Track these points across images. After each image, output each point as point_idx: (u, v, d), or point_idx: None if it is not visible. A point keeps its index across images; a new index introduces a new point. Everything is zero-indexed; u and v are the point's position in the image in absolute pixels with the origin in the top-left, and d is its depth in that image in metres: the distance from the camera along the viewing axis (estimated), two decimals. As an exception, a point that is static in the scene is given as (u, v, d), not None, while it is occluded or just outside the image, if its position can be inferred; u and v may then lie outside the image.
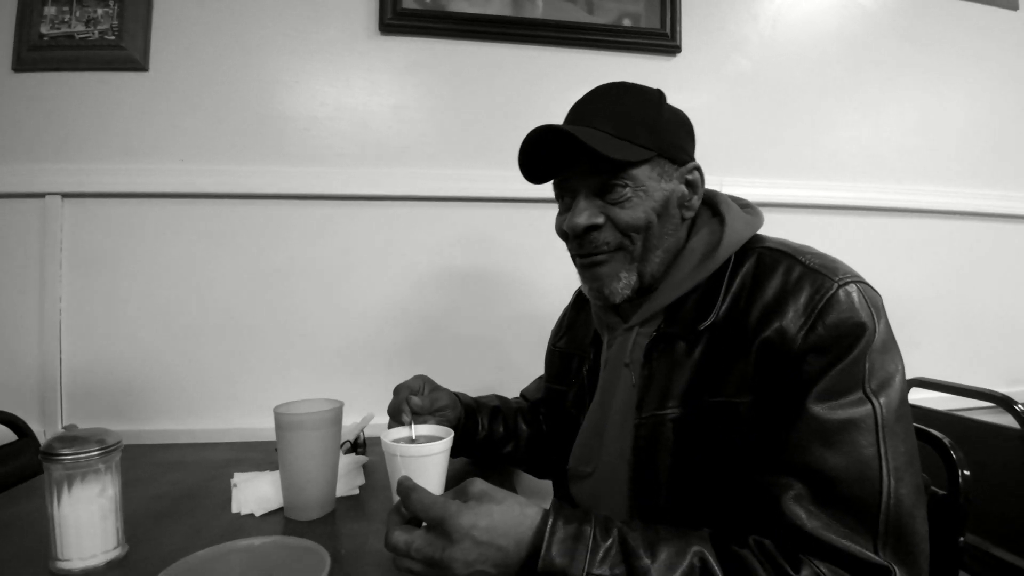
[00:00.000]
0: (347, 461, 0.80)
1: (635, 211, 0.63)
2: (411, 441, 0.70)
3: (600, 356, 0.77)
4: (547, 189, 0.72)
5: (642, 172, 0.64)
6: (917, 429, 0.73)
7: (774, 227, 0.67)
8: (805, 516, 0.50)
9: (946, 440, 0.71)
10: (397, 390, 0.77)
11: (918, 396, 1.19)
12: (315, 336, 1.19)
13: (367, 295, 1.20)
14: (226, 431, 1.11)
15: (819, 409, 0.53)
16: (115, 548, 0.63)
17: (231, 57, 1.17)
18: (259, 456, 0.94)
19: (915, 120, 1.41)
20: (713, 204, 0.70)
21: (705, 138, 1.33)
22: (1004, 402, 1.00)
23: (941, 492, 0.69)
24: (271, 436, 0.72)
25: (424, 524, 0.52)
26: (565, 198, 0.69)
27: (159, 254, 1.16)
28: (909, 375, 1.17)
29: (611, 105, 0.66)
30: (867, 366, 0.54)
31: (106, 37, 1.17)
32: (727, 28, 1.31)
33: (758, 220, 0.69)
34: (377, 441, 0.67)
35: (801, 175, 1.33)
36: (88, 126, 1.15)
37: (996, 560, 0.99)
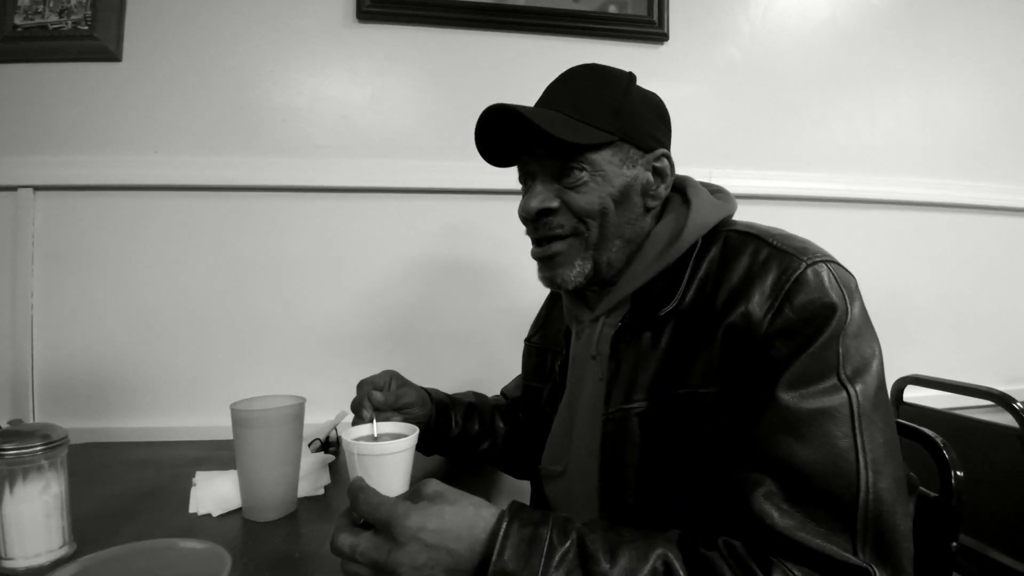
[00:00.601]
0: (312, 460, 0.77)
1: (590, 196, 0.61)
2: (373, 439, 0.67)
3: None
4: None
5: (601, 156, 0.61)
6: (909, 428, 0.70)
7: (765, 220, 0.63)
8: (777, 515, 0.46)
9: (938, 439, 0.68)
10: (360, 385, 0.74)
11: (914, 394, 1.15)
12: (291, 332, 1.16)
13: (346, 289, 1.17)
14: (199, 428, 1.08)
15: (789, 398, 0.49)
16: (61, 547, 0.60)
17: (206, 46, 1.15)
18: (227, 455, 0.89)
19: (911, 110, 1.37)
20: (682, 190, 0.67)
21: (693, 129, 1.32)
22: (1002, 400, 0.96)
23: (933, 494, 0.66)
24: (241, 434, 0.68)
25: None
26: (526, 181, 0.66)
27: (132, 248, 1.13)
28: (905, 372, 1.14)
29: (573, 87, 0.63)
30: (840, 351, 0.50)
31: (79, 27, 1.14)
32: (716, 16, 1.27)
33: (729, 205, 0.66)
34: None
35: (793, 167, 1.29)
36: (61, 118, 1.13)
37: (992, 563, 0.95)
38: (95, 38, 1.14)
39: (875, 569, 0.45)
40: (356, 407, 0.72)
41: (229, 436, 0.99)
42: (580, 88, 0.63)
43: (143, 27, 1.14)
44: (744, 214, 0.65)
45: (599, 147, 0.60)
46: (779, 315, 0.52)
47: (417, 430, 0.67)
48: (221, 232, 1.15)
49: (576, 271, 0.63)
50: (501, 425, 0.89)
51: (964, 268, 1.39)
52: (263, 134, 1.15)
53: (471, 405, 0.87)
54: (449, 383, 0.93)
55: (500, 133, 0.63)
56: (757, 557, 0.46)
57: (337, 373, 1.14)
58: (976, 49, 1.40)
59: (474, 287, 1.20)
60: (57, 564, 0.58)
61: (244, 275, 1.15)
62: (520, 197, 0.65)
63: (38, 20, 1.14)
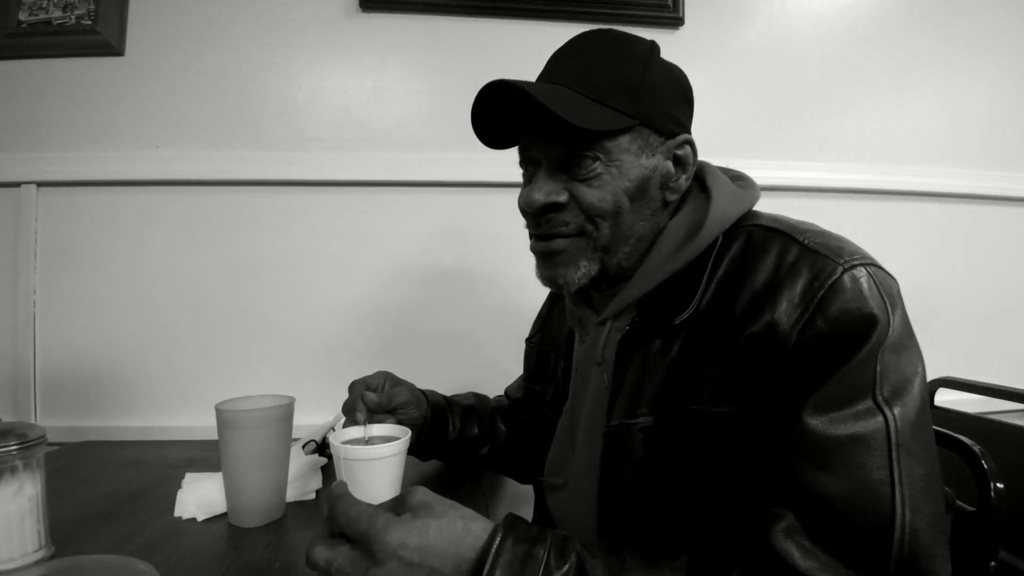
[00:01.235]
0: (302, 463, 0.74)
1: (603, 191, 0.54)
2: (365, 442, 0.64)
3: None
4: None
5: (617, 144, 0.53)
6: (941, 435, 0.64)
7: (784, 213, 0.57)
8: (798, 554, 0.41)
9: (976, 448, 0.62)
10: (352, 386, 0.71)
11: (942, 398, 1.08)
12: (293, 330, 1.13)
13: (345, 286, 1.14)
14: (198, 428, 1.05)
15: (816, 422, 0.43)
16: (37, 551, 0.58)
17: (207, 39, 1.13)
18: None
19: (936, 98, 1.28)
20: (700, 178, 0.60)
21: (710, 117, 1.25)
22: (1044, 404, 0.88)
23: (969, 508, 0.60)
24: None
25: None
26: (528, 168, 0.59)
27: (134, 244, 1.12)
28: (933, 374, 1.06)
29: (587, 59, 0.55)
30: (878, 368, 0.44)
31: (82, 22, 1.13)
32: (734, -1, 1.21)
33: (752, 194, 0.59)
34: None
35: (813, 157, 1.22)
36: (64, 113, 1.12)
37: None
38: (98, 32, 1.13)
39: None
40: (348, 409, 0.69)
41: (225, 436, 0.98)
42: (594, 60, 0.54)
43: (145, 21, 1.13)
44: (762, 207, 0.59)
45: (615, 133, 0.53)
46: (810, 326, 0.45)
47: (409, 433, 0.64)
48: (222, 228, 1.13)
49: (581, 272, 0.56)
50: (502, 428, 0.84)
51: (992, 262, 1.30)
52: (264, 128, 1.13)
53: (470, 407, 0.83)
54: (447, 384, 0.90)
55: (500, 112, 0.56)
56: None
57: (339, 372, 1.10)
58: (1005, 35, 1.31)
59: (474, 284, 1.16)
60: (32, 567, 0.56)
61: (244, 272, 1.13)
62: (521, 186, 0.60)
63: (42, 16, 1.14)
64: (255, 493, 0.64)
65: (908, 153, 1.27)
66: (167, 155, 1.12)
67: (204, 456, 0.88)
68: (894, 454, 0.42)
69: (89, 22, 1.13)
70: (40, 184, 1.11)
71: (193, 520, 0.66)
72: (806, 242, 0.50)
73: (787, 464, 0.44)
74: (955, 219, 1.29)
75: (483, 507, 0.73)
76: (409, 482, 0.80)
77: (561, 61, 0.57)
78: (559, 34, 0.58)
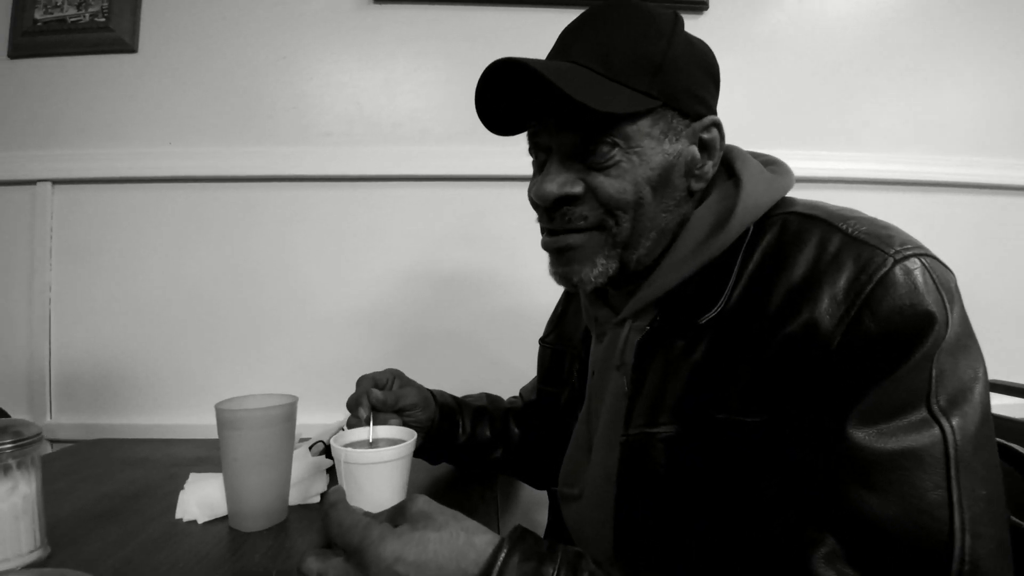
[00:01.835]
0: (307, 465, 0.71)
1: (623, 181, 0.49)
2: (369, 444, 0.61)
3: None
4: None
5: (638, 128, 0.48)
6: (1000, 446, 0.58)
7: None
8: None
9: (1033, 458, 0.56)
10: (360, 381, 0.68)
11: (992, 402, 1.00)
12: (305, 327, 1.11)
13: (356, 283, 1.12)
14: (212, 426, 1.04)
15: (863, 435, 0.38)
16: (32, 551, 0.56)
17: (220, 34, 1.12)
18: (229, 455, 0.86)
19: (977, 84, 1.20)
20: (728, 162, 0.54)
21: (736, 104, 1.19)
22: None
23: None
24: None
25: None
26: (539, 155, 0.55)
27: (147, 241, 1.12)
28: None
29: (603, 34, 0.50)
30: (933, 373, 0.39)
31: (96, 19, 1.13)
32: (761, -19, 1.15)
33: (786, 180, 0.53)
34: None
35: (846, 146, 1.15)
36: (78, 110, 1.12)
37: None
38: (111, 29, 1.12)
39: None
40: (352, 404, 0.66)
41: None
42: (611, 34, 0.49)
43: (158, 17, 1.13)
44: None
45: (636, 116, 0.48)
46: (856, 326, 0.40)
47: (415, 435, 0.61)
48: (233, 225, 1.12)
49: (598, 271, 0.51)
50: (515, 431, 0.81)
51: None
52: (275, 123, 1.11)
53: (481, 409, 0.80)
54: (459, 384, 0.86)
55: (508, 95, 0.52)
56: None
57: (353, 370, 1.08)
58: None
59: (488, 280, 1.12)
60: (28, 568, 0.55)
61: (257, 268, 1.11)
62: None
63: (57, 14, 1.14)
64: (256, 496, 0.62)
65: (947, 143, 1.19)
66: (179, 151, 1.11)
67: (212, 455, 0.85)
68: (952, 471, 0.37)
69: (103, 19, 1.13)
70: (55, 182, 1.11)
71: (193, 523, 0.64)
72: (850, 230, 0.45)
73: (828, 482, 0.39)
74: (995, 211, 1.20)
75: (494, 514, 0.69)
76: (417, 486, 0.78)
77: (574, 36, 0.52)
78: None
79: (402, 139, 1.11)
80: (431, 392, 0.74)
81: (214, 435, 0.97)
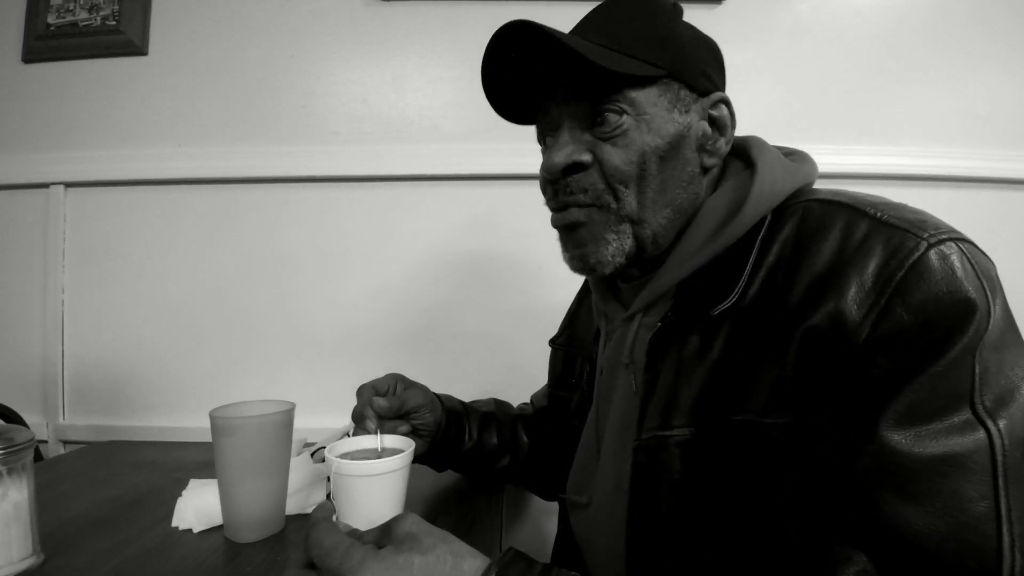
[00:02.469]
0: (304, 474, 0.69)
1: (629, 151, 0.47)
2: (377, 454, 0.59)
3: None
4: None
5: (646, 95, 0.47)
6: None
7: None
8: None
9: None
10: (360, 391, 0.66)
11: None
12: (315, 329, 1.10)
13: (370, 285, 1.09)
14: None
15: (898, 439, 0.35)
16: (24, 559, 0.55)
17: (227, 35, 1.11)
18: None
19: (1020, 73, 1.12)
20: (744, 152, 0.51)
21: (756, 99, 1.14)
22: None
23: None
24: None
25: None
26: (547, 139, 0.53)
27: (160, 243, 1.11)
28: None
29: (608, 17, 0.50)
30: (976, 369, 0.35)
31: (107, 23, 1.14)
32: (781, -32, 1.10)
33: (807, 168, 0.50)
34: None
35: (875, 140, 1.09)
36: (90, 113, 1.13)
37: None
38: (121, 32, 1.13)
39: None
40: (358, 416, 0.64)
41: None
42: (616, 17, 0.49)
43: (168, 20, 1.12)
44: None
45: (642, 83, 0.47)
46: (887, 317, 0.36)
47: (413, 445, 0.58)
48: (244, 226, 1.11)
49: (613, 248, 0.49)
50: (524, 438, 0.78)
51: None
52: (285, 123, 1.10)
53: (489, 415, 0.77)
54: (474, 388, 0.84)
55: (515, 70, 0.51)
56: None
57: (364, 373, 1.07)
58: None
59: (498, 283, 1.09)
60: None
61: (267, 271, 1.10)
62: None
63: (69, 18, 1.15)
64: (250, 506, 0.60)
65: (986, 135, 1.11)
66: (190, 152, 1.11)
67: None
68: (1000, 480, 0.33)
69: (113, 23, 1.13)
70: (68, 184, 1.11)
71: (189, 531, 0.63)
72: (879, 215, 0.41)
73: (860, 492, 0.35)
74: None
75: (497, 527, 0.66)
76: (421, 494, 0.75)
77: (583, 25, 0.51)
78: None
79: (413, 137, 1.09)
80: (437, 396, 0.72)
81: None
